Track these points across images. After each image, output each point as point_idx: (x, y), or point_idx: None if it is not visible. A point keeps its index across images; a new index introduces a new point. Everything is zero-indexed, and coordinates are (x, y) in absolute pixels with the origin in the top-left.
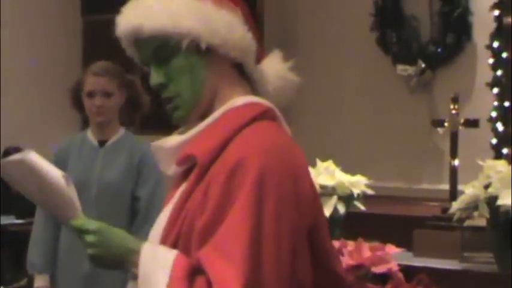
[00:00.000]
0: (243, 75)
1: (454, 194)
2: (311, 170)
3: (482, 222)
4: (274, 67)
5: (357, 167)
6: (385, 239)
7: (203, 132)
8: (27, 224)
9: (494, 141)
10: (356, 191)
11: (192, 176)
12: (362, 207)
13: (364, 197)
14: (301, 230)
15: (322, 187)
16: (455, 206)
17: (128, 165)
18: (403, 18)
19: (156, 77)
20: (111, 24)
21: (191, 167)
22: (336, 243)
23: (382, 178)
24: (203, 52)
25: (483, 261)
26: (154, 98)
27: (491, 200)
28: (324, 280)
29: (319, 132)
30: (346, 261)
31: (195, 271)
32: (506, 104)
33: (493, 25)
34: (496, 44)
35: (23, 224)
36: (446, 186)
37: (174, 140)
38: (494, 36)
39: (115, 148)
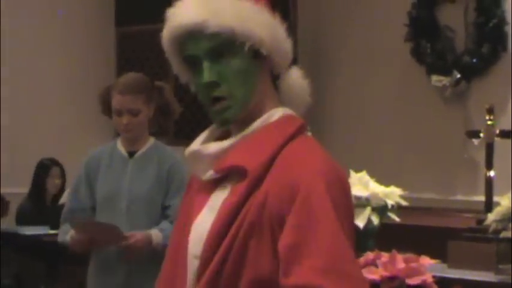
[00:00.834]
0: (274, 84)
1: (489, 205)
2: None
3: None
4: (298, 80)
5: (391, 178)
6: (419, 251)
7: (245, 142)
8: None
9: None
10: (390, 202)
11: (240, 188)
12: (396, 219)
13: (398, 208)
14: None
15: (356, 198)
16: (491, 217)
17: (157, 175)
18: (438, 28)
19: (209, 74)
20: (144, 35)
21: (226, 175)
22: (370, 255)
23: (417, 189)
24: (258, 57)
25: None
26: (187, 107)
27: None
28: None
29: (353, 143)
30: (380, 272)
31: None
32: None
33: None
34: None
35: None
36: (481, 198)
37: (214, 147)
38: None
39: (144, 158)
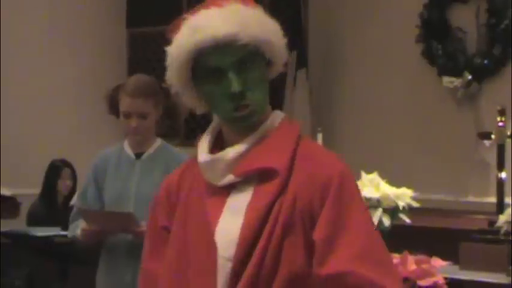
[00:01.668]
0: None
1: (501, 206)
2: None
3: None
4: None
5: (403, 179)
6: (430, 252)
7: (261, 146)
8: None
9: None
10: (401, 204)
11: (271, 189)
12: (407, 220)
13: (410, 210)
14: None
15: (367, 199)
16: (502, 219)
17: (165, 176)
18: (449, 30)
19: (237, 85)
20: (155, 36)
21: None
22: None
23: (428, 190)
24: (268, 65)
25: None
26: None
27: None
28: None
29: (364, 144)
30: None
31: None
32: None
33: None
34: None
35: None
36: (492, 199)
37: (233, 151)
38: None
39: (151, 160)
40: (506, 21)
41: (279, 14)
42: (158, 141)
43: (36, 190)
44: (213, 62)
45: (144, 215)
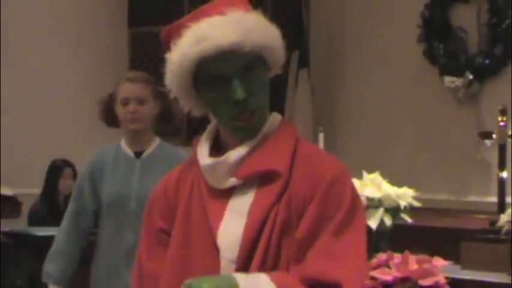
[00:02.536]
0: None
1: (502, 206)
2: (358, 182)
3: None
4: None
5: (404, 179)
6: (432, 252)
7: (262, 148)
8: None
9: None
10: (403, 203)
11: (274, 189)
12: (409, 220)
13: (411, 209)
14: None
15: (369, 199)
16: (504, 218)
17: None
18: (451, 29)
19: (242, 91)
20: (156, 36)
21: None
22: (383, 256)
23: (429, 190)
24: (267, 69)
25: None
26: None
27: None
28: None
29: (366, 144)
30: (393, 273)
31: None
32: None
33: None
34: None
35: None
36: (494, 199)
37: (235, 155)
38: None
39: (152, 159)
40: (508, 21)
41: (281, 14)
42: (157, 140)
43: (37, 190)
44: (216, 69)
45: None
